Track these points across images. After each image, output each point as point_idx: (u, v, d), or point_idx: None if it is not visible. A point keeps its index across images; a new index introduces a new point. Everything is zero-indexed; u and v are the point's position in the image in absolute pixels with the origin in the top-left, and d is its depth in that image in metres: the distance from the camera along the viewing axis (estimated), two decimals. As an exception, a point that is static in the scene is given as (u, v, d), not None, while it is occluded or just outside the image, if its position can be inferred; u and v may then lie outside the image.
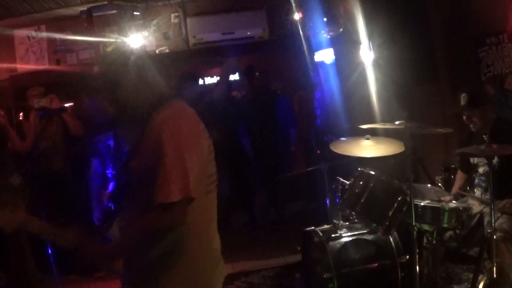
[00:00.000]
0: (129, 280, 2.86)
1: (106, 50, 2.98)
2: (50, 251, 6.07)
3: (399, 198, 4.75)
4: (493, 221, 4.44)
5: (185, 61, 8.74)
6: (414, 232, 4.57)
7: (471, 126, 5.16)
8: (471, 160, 5.40)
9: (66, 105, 7.36)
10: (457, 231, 4.92)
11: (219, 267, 2.97)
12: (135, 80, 2.79)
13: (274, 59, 10.80)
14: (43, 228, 2.64)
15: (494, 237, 4.42)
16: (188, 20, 7.63)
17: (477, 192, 5.24)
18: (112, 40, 7.59)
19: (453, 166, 5.55)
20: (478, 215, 4.96)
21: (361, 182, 4.95)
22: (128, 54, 2.85)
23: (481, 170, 5.16)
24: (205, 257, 2.85)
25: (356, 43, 7.03)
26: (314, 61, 7.97)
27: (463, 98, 5.13)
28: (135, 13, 6.79)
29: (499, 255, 4.54)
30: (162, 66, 2.93)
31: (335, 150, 5.36)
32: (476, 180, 5.30)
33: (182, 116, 2.79)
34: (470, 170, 5.38)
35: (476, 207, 5.05)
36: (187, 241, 2.73)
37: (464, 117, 5.20)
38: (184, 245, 2.73)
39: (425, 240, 4.97)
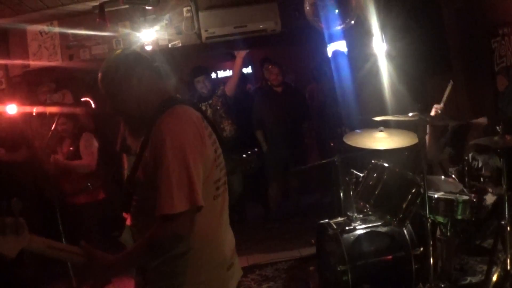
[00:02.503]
0: (142, 282, 2.86)
1: (111, 55, 2.91)
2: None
3: (413, 190, 4.76)
4: (506, 213, 4.44)
5: (198, 55, 8.75)
6: (428, 224, 4.57)
7: None
8: (474, 164, 5.39)
9: (82, 100, 7.39)
10: (470, 223, 4.92)
11: (231, 269, 2.91)
12: (138, 89, 2.77)
13: (286, 51, 10.81)
14: (48, 247, 2.56)
15: (508, 228, 4.42)
16: (200, 14, 7.63)
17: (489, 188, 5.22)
18: (125, 34, 7.61)
19: (466, 158, 5.53)
20: (491, 206, 4.95)
21: (375, 175, 4.96)
22: (132, 60, 2.82)
23: (487, 173, 5.15)
24: (214, 260, 2.81)
25: (368, 34, 7.01)
26: (327, 53, 7.96)
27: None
28: (147, 7, 6.79)
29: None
30: (168, 66, 2.89)
31: (349, 143, 5.37)
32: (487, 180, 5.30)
33: (186, 121, 2.69)
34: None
35: (489, 198, 5.04)
36: (194, 247, 2.71)
37: None
38: (192, 250, 2.71)
39: (438, 232, 4.98)
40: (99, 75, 2.82)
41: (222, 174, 2.89)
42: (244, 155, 5.79)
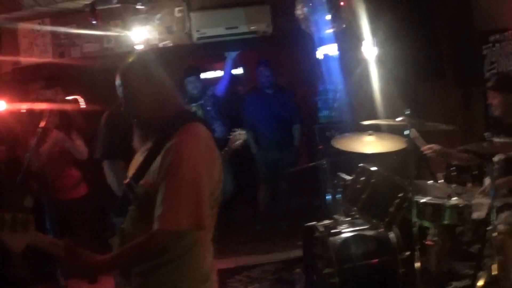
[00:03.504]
0: (125, 284, 2.85)
1: (127, 60, 2.91)
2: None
3: (401, 195, 4.76)
4: (494, 219, 4.44)
5: (188, 55, 8.74)
6: (415, 229, 4.57)
7: (493, 109, 5.18)
8: None
9: (70, 98, 7.36)
10: (467, 226, 4.92)
11: (208, 283, 2.87)
12: (154, 94, 2.78)
13: (277, 54, 10.80)
14: (49, 244, 2.59)
15: (495, 234, 4.43)
16: (192, 14, 7.63)
17: (487, 181, 5.21)
18: (116, 33, 7.60)
19: (455, 163, 5.54)
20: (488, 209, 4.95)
21: (363, 178, 4.97)
22: (150, 67, 2.82)
23: (496, 158, 5.12)
24: (195, 274, 2.79)
25: (359, 39, 7.02)
26: (318, 56, 7.96)
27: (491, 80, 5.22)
28: (138, 7, 6.79)
29: (503, 250, 4.55)
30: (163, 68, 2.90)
31: (338, 146, 5.37)
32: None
33: (202, 142, 2.72)
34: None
35: (485, 201, 5.05)
36: (179, 258, 2.71)
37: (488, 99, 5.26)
38: (177, 260, 2.70)
39: (429, 237, 4.97)
40: (117, 75, 2.83)
41: (219, 193, 2.90)
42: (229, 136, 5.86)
